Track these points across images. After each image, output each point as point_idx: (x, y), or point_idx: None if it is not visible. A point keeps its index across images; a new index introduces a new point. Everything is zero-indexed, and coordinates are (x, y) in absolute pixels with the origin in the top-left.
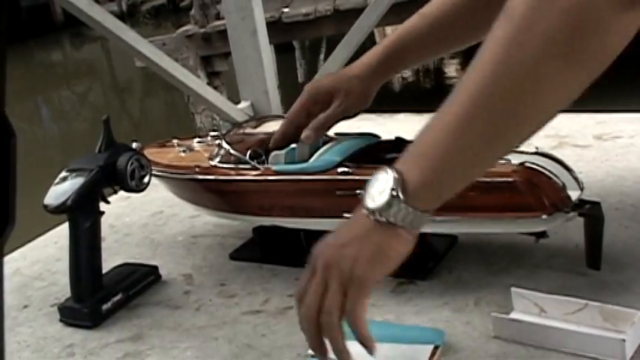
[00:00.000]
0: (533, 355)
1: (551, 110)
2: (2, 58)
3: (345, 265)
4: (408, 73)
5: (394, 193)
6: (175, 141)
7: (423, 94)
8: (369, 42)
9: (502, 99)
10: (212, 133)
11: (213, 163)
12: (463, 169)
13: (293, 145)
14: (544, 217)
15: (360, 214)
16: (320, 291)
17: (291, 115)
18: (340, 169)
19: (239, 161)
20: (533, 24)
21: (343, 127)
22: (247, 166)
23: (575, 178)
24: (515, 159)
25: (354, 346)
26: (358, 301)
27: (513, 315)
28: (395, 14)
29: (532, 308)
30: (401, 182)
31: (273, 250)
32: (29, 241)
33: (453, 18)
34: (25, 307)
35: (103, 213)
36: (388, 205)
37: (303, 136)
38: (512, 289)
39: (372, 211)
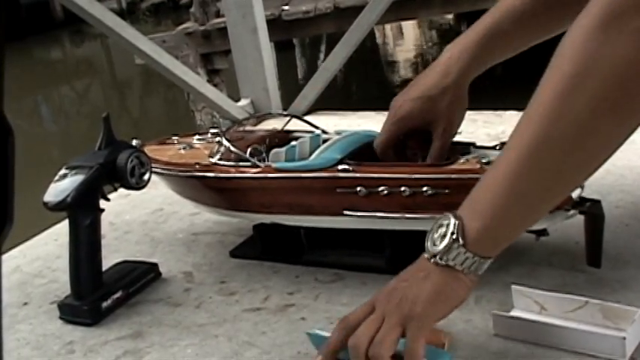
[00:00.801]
0: (533, 352)
1: (602, 157)
2: (1, 58)
3: (405, 303)
4: (407, 72)
5: (454, 237)
6: (175, 138)
7: None
8: (369, 40)
9: (554, 153)
10: (212, 131)
11: (213, 160)
12: (520, 218)
13: (293, 143)
14: None
15: (422, 258)
16: (376, 325)
17: (382, 147)
18: (340, 167)
19: (239, 159)
20: (584, 80)
21: (343, 124)
22: (247, 164)
23: None
24: None
25: None
26: (418, 339)
27: (514, 313)
28: (394, 12)
29: (532, 306)
30: (461, 228)
31: (274, 248)
32: (29, 238)
33: (535, 8)
34: (25, 304)
35: (102, 210)
36: (448, 249)
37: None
38: (513, 286)
39: (434, 255)
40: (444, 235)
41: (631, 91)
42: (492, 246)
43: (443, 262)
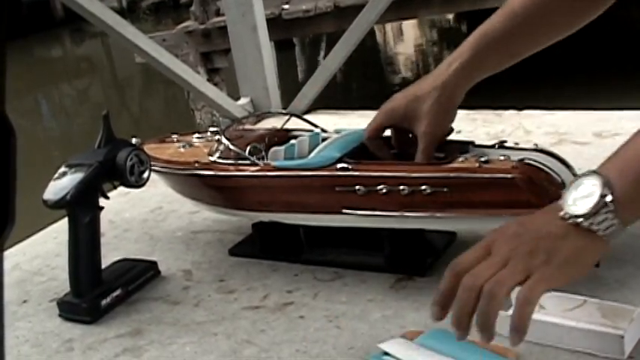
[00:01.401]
0: (531, 351)
1: None
2: (2, 58)
3: (537, 255)
4: (407, 71)
5: (605, 201)
6: (175, 136)
7: None
8: (369, 39)
9: None
10: (211, 129)
11: (212, 158)
12: None
13: (292, 142)
14: None
15: (554, 214)
16: (496, 268)
17: (368, 133)
18: (339, 165)
19: (238, 157)
20: None
21: (343, 123)
22: (247, 162)
23: (575, 175)
24: (514, 156)
25: None
26: (539, 288)
27: (512, 312)
28: (394, 11)
29: None
30: (610, 191)
31: (273, 246)
32: (29, 236)
33: (542, 10)
34: (25, 302)
35: (102, 208)
36: (595, 212)
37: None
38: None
39: (574, 216)
40: (588, 196)
41: None
42: (635, 213)
43: (586, 225)
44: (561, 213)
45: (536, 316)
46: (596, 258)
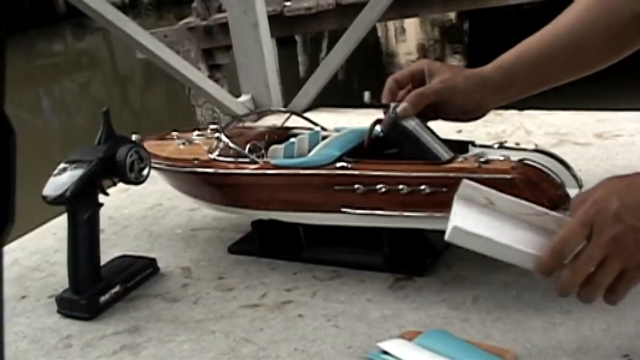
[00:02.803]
0: (530, 352)
1: None
2: (2, 57)
3: (637, 250)
4: None
5: None
6: (175, 134)
7: None
8: (371, 37)
9: None
10: (211, 127)
11: (212, 156)
12: None
13: (292, 140)
14: None
15: None
16: (596, 262)
17: (397, 77)
18: (339, 164)
19: (238, 155)
20: None
21: (343, 121)
22: (246, 160)
23: (575, 176)
24: (514, 156)
25: None
26: (633, 283)
27: (457, 204)
28: (396, 10)
29: (480, 199)
30: None
31: (272, 244)
32: (28, 231)
33: (588, 38)
34: (23, 297)
35: (101, 205)
36: None
37: (400, 109)
38: (464, 181)
39: None
40: None
41: None
42: None
43: None
44: None
45: (483, 211)
46: None
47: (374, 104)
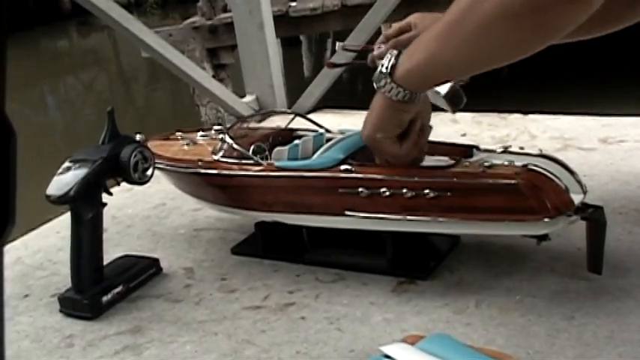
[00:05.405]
0: (532, 358)
1: (497, 58)
2: (2, 57)
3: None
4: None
5: (384, 70)
6: (179, 134)
7: None
8: (376, 38)
9: (463, 37)
10: (216, 127)
11: (216, 157)
12: (443, 67)
13: (296, 142)
14: (546, 220)
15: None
16: None
17: (387, 33)
18: (343, 167)
19: (242, 156)
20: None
21: (347, 123)
22: (250, 161)
23: (579, 182)
24: (518, 161)
25: None
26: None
27: None
28: (403, 11)
29: None
30: (392, 65)
31: (275, 246)
32: (31, 230)
33: None
34: (26, 296)
35: (105, 204)
36: (378, 79)
37: (376, 52)
38: None
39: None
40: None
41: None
42: (417, 83)
43: (381, 90)
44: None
45: None
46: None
47: (349, 49)
